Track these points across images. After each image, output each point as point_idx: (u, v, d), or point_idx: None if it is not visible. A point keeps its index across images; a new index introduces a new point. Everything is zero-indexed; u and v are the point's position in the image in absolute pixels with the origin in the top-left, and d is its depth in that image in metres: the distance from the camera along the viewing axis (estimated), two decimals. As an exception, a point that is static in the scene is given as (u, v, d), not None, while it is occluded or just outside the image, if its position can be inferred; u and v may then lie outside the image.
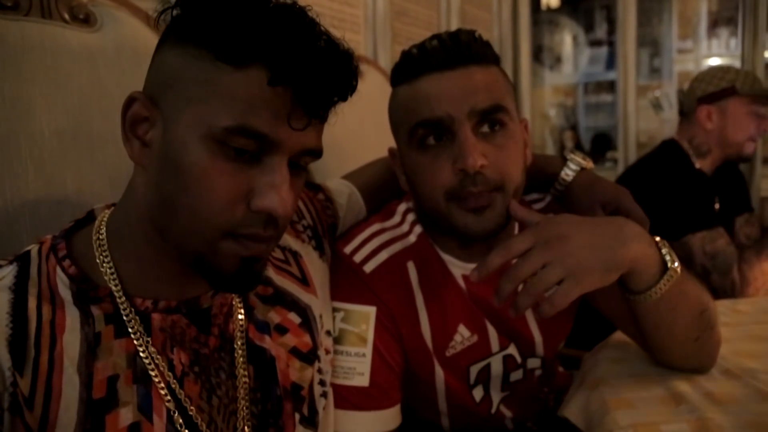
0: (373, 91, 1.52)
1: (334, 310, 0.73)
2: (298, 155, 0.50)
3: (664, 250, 0.63)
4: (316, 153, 0.52)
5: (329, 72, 0.48)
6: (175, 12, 0.50)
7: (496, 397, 0.81)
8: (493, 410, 0.81)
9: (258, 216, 0.49)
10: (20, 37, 0.71)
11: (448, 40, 0.68)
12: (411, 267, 0.76)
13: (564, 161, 0.82)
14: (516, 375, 0.81)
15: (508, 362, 0.79)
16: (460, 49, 0.68)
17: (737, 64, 2.17)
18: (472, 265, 0.76)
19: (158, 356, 0.52)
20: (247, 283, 0.53)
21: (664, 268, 0.62)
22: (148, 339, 0.52)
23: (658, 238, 0.64)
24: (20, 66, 0.70)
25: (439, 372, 0.77)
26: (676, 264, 0.62)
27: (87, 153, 0.74)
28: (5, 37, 0.69)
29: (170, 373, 0.53)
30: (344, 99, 0.51)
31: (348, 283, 0.74)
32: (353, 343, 0.72)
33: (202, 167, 0.47)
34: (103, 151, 0.74)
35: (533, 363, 0.81)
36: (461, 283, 0.77)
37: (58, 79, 0.73)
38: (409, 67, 0.70)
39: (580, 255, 0.57)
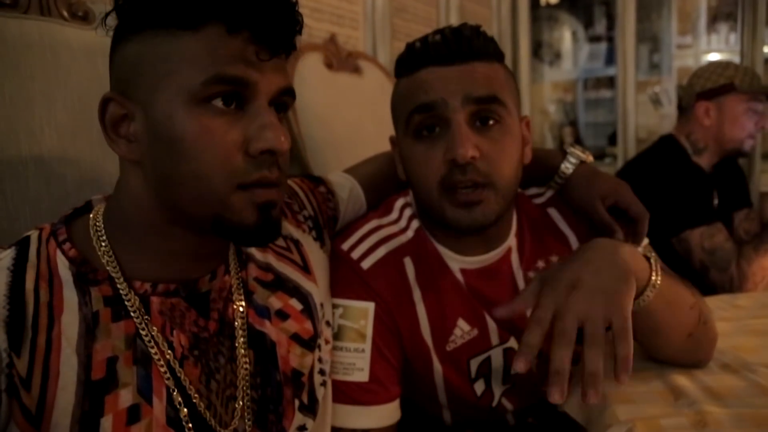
0: (372, 88, 1.52)
1: (333, 306, 0.73)
2: (276, 96, 0.52)
3: (641, 250, 0.65)
4: (291, 92, 0.55)
5: (277, 8, 0.50)
6: (115, 14, 0.52)
7: (497, 390, 0.81)
8: (495, 403, 0.81)
9: (259, 160, 0.50)
10: (19, 35, 0.71)
11: (451, 35, 0.69)
12: (408, 263, 0.76)
13: (564, 155, 0.82)
14: None
15: (509, 355, 0.79)
16: (461, 45, 0.68)
17: (736, 59, 2.17)
18: (470, 259, 0.77)
19: (159, 335, 0.53)
20: (269, 232, 0.54)
21: (650, 265, 0.64)
22: (148, 317, 0.53)
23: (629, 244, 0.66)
24: (19, 63, 0.70)
25: (438, 367, 0.77)
26: (652, 255, 0.65)
27: (87, 150, 0.74)
28: (4, 35, 0.69)
29: (170, 352, 0.53)
30: (295, 31, 0.53)
31: (346, 280, 0.74)
32: (352, 339, 0.72)
33: (192, 131, 0.48)
34: (102, 148, 0.74)
35: None
36: (459, 276, 0.77)
37: (57, 76, 0.74)
38: (411, 60, 0.71)
39: (602, 287, 0.57)
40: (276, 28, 0.50)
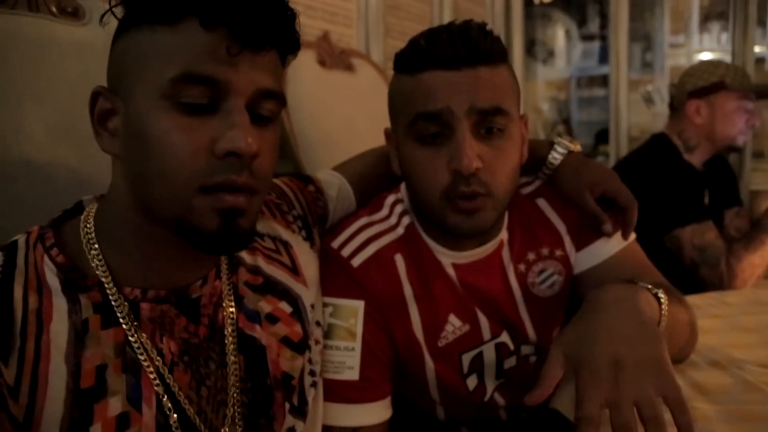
0: (365, 85, 1.52)
1: (324, 305, 0.73)
2: (256, 99, 0.50)
3: (648, 286, 0.63)
4: (275, 95, 0.52)
5: (257, 3, 0.49)
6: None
7: (490, 385, 0.81)
8: (487, 398, 0.81)
9: (226, 162, 0.48)
10: (8, 31, 0.70)
11: (458, 36, 0.67)
12: (399, 259, 0.76)
13: (551, 145, 0.82)
14: (510, 362, 0.81)
15: (501, 350, 0.80)
16: (469, 49, 0.66)
17: (728, 58, 2.18)
18: (461, 254, 0.77)
19: (148, 342, 0.53)
20: (233, 242, 0.51)
21: (659, 303, 0.62)
22: (137, 324, 0.52)
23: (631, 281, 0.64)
24: (8, 60, 0.70)
25: (430, 363, 0.77)
26: (661, 292, 0.63)
27: (76, 148, 0.73)
28: (-8, 31, 0.69)
29: (159, 359, 0.53)
30: (279, 27, 0.50)
31: (336, 278, 0.74)
32: (342, 338, 0.72)
33: (161, 129, 0.48)
34: (93, 146, 0.73)
35: (527, 350, 0.82)
36: (451, 272, 0.77)
37: (46, 73, 0.73)
38: (415, 59, 0.69)
39: (644, 359, 0.52)
40: (255, 24, 0.48)
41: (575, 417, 0.51)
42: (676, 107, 1.53)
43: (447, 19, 2.13)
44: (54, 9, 0.76)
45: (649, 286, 0.63)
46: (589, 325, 0.56)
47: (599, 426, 0.50)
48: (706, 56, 3.04)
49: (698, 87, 1.47)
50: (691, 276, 1.35)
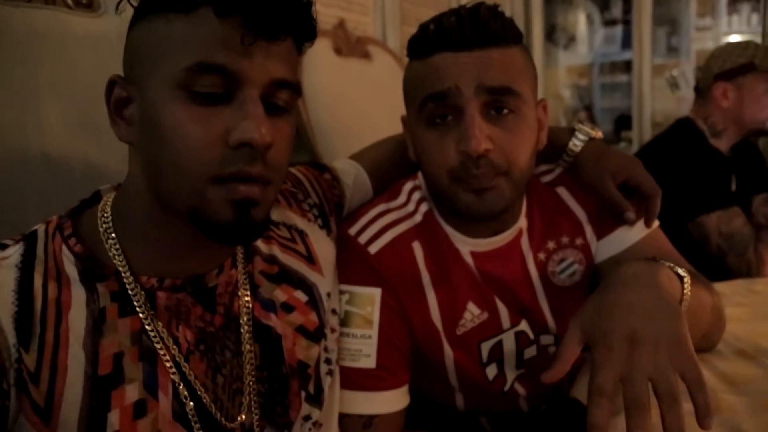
0: (382, 73, 1.51)
1: (340, 292, 0.73)
2: (270, 89, 0.50)
3: (669, 264, 0.62)
4: (290, 85, 0.51)
5: None
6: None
7: (510, 375, 0.80)
8: (507, 388, 0.81)
9: (239, 153, 0.48)
10: (25, 24, 0.71)
11: (467, 18, 0.66)
12: (417, 247, 0.75)
13: (571, 132, 0.80)
14: (530, 352, 0.80)
15: (521, 339, 0.79)
16: (477, 30, 0.65)
17: (758, 40, 2.10)
18: (480, 241, 0.76)
19: (164, 330, 0.53)
20: (247, 232, 0.51)
21: (681, 282, 0.61)
22: (154, 312, 0.53)
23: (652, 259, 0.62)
24: (25, 53, 0.71)
25: (449, 351, 0.77)
26: (682, 270, 0.61)
27: (94, 139, 0.74)
28: (10, 25, 0.70)
29: (175, 347, 0.53)
30: (294, 16, 0.50)
31: (352, 265, 0.74)
32: (359, 325, 0.72)
33: (175, 119, 0.48)
34: (109, 137, 0.73)
35: (546, 339, 0.80)
36: (469, 260, 0.76)
37: (63, 65, 0.74)
38: (424, 43, 0.68)
39: (661, 335, 0.50)
40: (269, 13, 0.47)
41: (588, 390, 0.49)
42: (701, 91, 1.49)
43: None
44: (69, 1, 0.77)
45: (671, 265, 0.61)
46: (607, 299, 0.55)
47: (613, 398, 0.48)
48: (734, 39, 2.95)
49: (725, 69, 1.42)
50: (717, 264, 1.32)
